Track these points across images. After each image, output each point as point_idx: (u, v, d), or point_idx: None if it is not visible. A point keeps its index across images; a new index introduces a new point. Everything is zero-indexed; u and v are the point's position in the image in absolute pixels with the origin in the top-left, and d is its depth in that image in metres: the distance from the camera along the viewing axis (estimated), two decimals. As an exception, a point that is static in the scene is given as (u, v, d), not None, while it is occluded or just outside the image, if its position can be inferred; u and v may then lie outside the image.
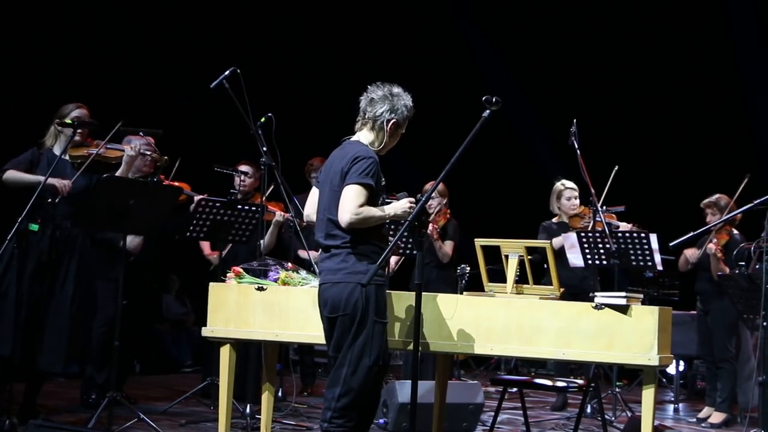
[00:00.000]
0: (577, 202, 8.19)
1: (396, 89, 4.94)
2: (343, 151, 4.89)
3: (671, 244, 7.54)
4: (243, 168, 7.86)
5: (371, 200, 4.75)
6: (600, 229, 7.55)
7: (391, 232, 6.35)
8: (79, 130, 6.29)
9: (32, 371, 6.28)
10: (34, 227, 6.03)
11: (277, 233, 7.78)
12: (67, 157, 6.33)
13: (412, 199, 4.83)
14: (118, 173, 6.46)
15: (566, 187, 8.20)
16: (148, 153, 6.89)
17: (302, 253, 7.86)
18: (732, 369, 8.10)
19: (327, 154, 5.05)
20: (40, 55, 9.67)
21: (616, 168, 7.96)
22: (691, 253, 8.17)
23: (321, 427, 4.81)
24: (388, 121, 4.88)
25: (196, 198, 7.35)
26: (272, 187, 7.27)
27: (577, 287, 7.59)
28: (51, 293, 6.22)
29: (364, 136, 4.93)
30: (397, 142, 5.00)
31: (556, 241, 7.77)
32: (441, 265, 8.33)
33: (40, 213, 6.06)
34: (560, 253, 7.65)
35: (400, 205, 4.80)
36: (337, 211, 4.76)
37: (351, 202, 4.69)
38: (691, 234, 6.81)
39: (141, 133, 7.07)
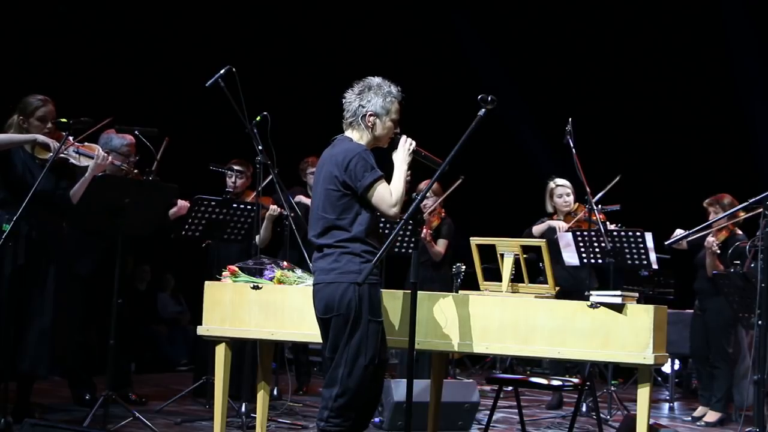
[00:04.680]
0: (570, 199, 8.20)
1: (374, 81, 4.92)
2: (333, 150, 4.91)
3: (666, 242, 7.57)
4: (237, 167, 7.86)
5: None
6: (595, 227, 7.58)
7: (386, 231, 6.36)
8: (48, 128, 6.12)
9: (17, 374, 6.20)
10: (6, 227, 5.75)
11: (271, 227, 7.78)
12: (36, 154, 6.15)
13: (406, 136, 4.89)
14: (83, 179, 6.22)
15: (558, 185, 8.23)
16: (118, 164, 6.69)
17: (301, 198, 8.04)
18: (728, 368, 8.10)
19: (322, 152, 5.05)
20: (35, 53, 9.65)
21: (618, 178, 8.00)
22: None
23: (318, 426, 4.81)
24: (364, 116, 4.87)
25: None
26: (265, 182, 7.24)
27: (572, 287, 7.60)
28: (31, 295, 6.09)
29: (351, 133, 4.94)
30: (393, 131, 4.93)
31: (536, 229, 8.09)
32: (435, 264, 8.33)
33: (12, 213, 5.78)
34: (556, 252, 7.69)
35: (402, 151, 4.88)
36: (330, 210, 4.79)
37: (384, 200, 4.74)
38: (688, 232, 6.81)
39: (136, 132, 7.06)
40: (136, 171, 6.94)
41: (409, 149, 4.88)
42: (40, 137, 6.07)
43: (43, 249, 6.14)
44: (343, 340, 4.73)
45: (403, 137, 4.92)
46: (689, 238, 7.54)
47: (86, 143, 6.35)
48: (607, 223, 7.92)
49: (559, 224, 8.10)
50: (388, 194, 4.74)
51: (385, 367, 4.94)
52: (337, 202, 4.79)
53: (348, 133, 4.94)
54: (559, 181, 8.23)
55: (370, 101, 4.87)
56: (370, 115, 4.87)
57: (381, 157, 4.95)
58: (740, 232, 8.05)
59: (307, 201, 8.11)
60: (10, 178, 6.10)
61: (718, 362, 8.11)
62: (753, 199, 5.65)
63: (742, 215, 7.60)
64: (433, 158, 4.92)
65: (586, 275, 7.81)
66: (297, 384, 8.55)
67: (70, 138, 6.12)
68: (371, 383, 4.78)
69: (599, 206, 7.85)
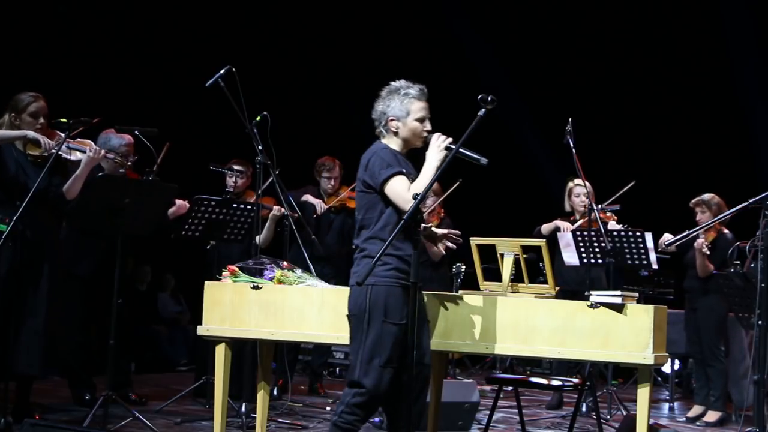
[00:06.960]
0: (587, 200, 8.16)
1: (395, 84, 4.94)
2: (365, 155, 4.92)
3: (666, 243, 7.55)
4: (237, 167, 7.86)
5: (410, 180, 4.79)
6: (595, 227, 7.58)
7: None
8: (40, 123, 6.09)
9: (13, 374, 6.16)
10: (2, 227, 5.72)
11: (274, 227, 7.79)
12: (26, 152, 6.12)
13: (439, 134, 4.82)
14: (76, 174, 6.17)
15: (576, 184, 8.21)
16: (111, 157, 6.64)
17: (308, 197, 8.21)
18: (722, 367, 8.09)
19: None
20: (35, 52, 9.65)
21: (633, 183, 8.07)
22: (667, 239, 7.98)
23: (331, 420, 4.85)
24: (387, 121, 4.91)
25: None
26: (267, 183, 7.26)
27: (580, 287, 7.59)
28: (25, 295, 6.06)
29: (383, 140, 4.97)
30: (423, 130, 4.89)
31: (545, 228, 8.14)
32: (434, 264, 8.33)
33: (8, 213, 5.75)
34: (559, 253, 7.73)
35: (435, 149, 4.80)
36: (360, 211, 4.85)
37: (399, 196, 4.72)
38: (686, 233, 6.81)
39: (136, 132, 7.06)
40: (129, 164, 6.92)
41: (440, 146, 4.81)
42: (31, 133, 6.05)
43: (37, 248, 6.10)
44: (356, 341, 4.76)
45: (435, 135, 4.86)
46: (680, 242, 7.54)
47: (78, 138, 6.31)
48: (612, 223, 7.93)
49: (565, 224, 8.09)
50: (404, 190, 4.72)
51: (411, 369, 4.63)
52: (362, 202, 4.86)
53: (382, 140, 4.97)
54: (578, 180, 8.22)
55: (389, 105, 4.90)
56: (391, 120, 4.90)
57: (416, 159, 4.94)
58: (727, 231, 8.05)
59: (314, 201, 8.17)
60: (2, 177, 6.08)
61: (711, 361, 8.11)
62: (753, 199, 5.64)
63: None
64: (471, 154, 4.73)
65: (597, 275, 7.81)
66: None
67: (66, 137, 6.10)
68: (390, 385, 4.73)
69: (599, 206, 7.86)
